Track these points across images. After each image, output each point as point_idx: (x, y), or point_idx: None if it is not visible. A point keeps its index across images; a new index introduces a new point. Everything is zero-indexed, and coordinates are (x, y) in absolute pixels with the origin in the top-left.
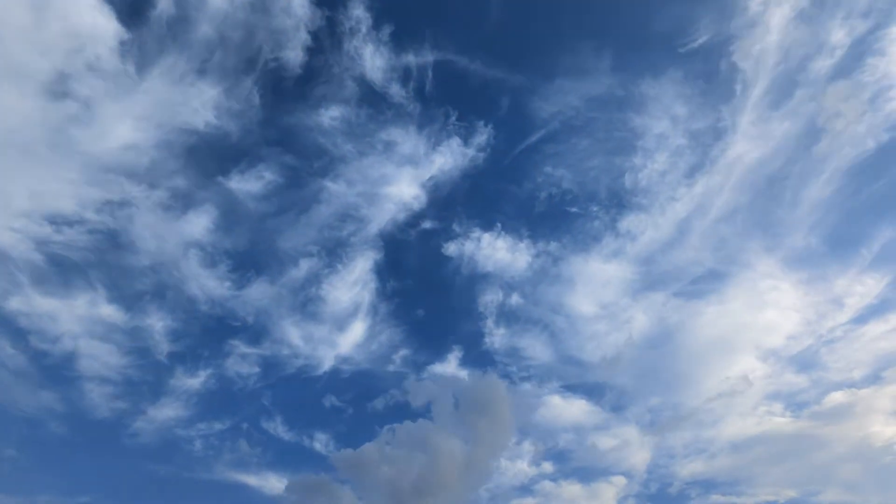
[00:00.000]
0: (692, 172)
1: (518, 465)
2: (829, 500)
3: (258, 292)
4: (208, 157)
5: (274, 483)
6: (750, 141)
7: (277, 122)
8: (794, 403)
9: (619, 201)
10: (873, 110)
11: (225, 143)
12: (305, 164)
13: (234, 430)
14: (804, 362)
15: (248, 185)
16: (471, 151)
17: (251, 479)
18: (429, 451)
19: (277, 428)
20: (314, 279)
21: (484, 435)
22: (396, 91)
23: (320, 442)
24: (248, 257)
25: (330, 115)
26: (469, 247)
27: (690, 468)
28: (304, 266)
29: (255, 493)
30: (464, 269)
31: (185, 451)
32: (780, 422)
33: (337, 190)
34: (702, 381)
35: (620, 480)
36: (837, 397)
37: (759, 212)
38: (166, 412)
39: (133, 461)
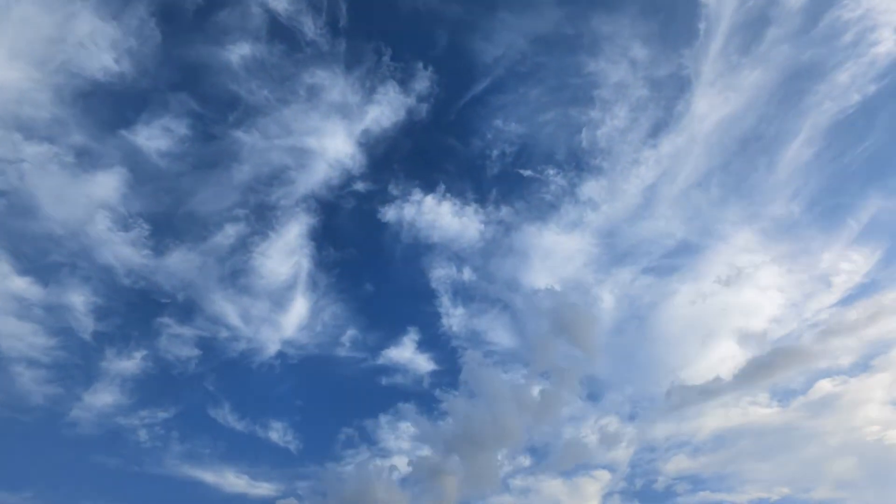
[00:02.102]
0: (656, 130)
1: None
2: (822, 497)
3: (181, 262)
4: (106, 105)
5: (232, 479)
6: (717, 93)
7: (179, 60)
8: (780, 392)
9: (578, 163)
10: (856, 56)
11: (122, 86)
12: (217, 114)
13: (181, 419)
14: (789, 348)
15: (156, 140)
16: (410, 100)
17: (208, 476)
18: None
19: (227, 416)
20: (242, 247)
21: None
22: (308, 24)
23: (277, 432)
24: (166, 222)
25: (239, 53)
26: (409, 211)
27: (675, 462)
28: (230, 232)
29: (213, 492)
30: (405, 237)
31: (131, 442)
32: (766, 413)
33: (257, 145)
34: (678, 368)
35: (604, 475)
36: (825, 386)
37: (733, 177)
38: (103, 398)
39: (77, 452)
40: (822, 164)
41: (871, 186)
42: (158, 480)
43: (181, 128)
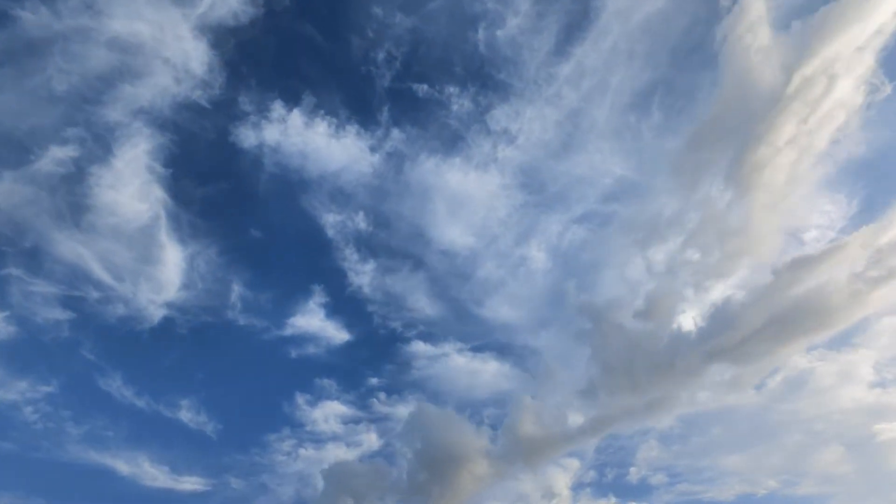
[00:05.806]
0: (568, 33)
1: None
2: (807, 493)
3: (4, 194)
4: None
5: (149, 469)
6: None
7: None
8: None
9: (480, 77)
10: None
11: None
12: None
13: (68, 395)
14: (756, 316)
15: None
16: None
17: (120, 465)
18: None
19: (123, 392)
20: (78, 176)
21: None
22: None
23: (187, 412)
24: None
25: None
26: (271, 133)
27: (645, 450)
28: (59, 156)
29: (132, 486)
30: (270, 165)
31: (19, 422)
32: (738, 396)
33: (67, 35)
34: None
35: (573, 463)
36: (800, 362)
37: (673, 97)
38: None
39: None
40: None
41: None
42: (63, 469)
43: None
